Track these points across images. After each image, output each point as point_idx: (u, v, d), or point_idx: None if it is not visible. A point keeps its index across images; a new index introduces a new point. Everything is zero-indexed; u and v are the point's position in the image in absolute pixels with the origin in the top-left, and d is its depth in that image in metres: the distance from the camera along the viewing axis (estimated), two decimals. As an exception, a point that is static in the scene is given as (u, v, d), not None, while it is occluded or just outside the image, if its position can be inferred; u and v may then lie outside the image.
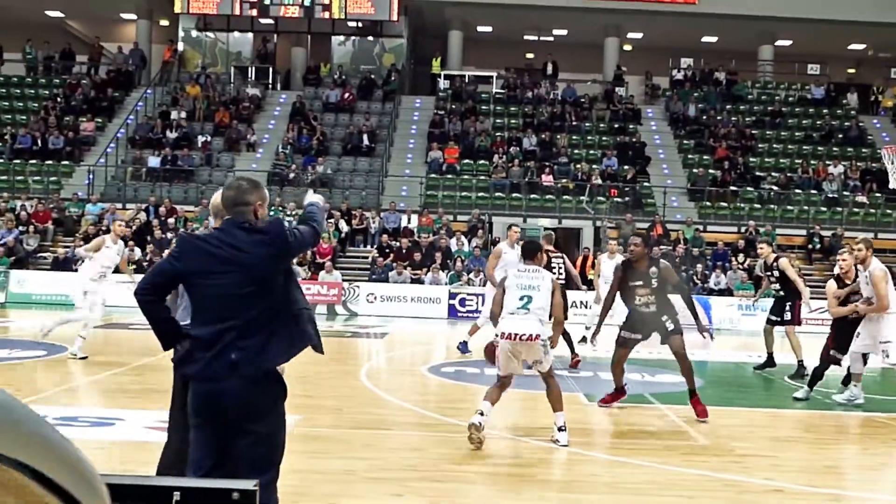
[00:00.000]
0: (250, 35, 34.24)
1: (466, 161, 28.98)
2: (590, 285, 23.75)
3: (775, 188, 28.38)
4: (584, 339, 16.36)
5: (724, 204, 28.00)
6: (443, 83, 32.94)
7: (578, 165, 28.69)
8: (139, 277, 5.09)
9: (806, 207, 27.99)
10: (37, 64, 33.42)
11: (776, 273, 13.17)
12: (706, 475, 7.01)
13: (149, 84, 32.61)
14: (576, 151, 29.93)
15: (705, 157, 29.92)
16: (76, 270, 15.55)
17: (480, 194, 27.69)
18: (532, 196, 27.50)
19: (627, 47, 36.21)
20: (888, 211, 28.07)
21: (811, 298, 13.80)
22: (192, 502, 2.75)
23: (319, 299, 22.13)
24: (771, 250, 13.62)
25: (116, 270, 12.46)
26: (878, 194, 28.56)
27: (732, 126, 31.03)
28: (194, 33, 34.32)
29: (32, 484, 1.36)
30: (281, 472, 4.28)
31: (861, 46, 35.87)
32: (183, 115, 30.21)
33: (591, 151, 30.06)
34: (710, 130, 30.89)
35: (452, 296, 21.92)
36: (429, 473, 6.81)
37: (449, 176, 28.35)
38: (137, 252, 23.01)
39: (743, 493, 6.58)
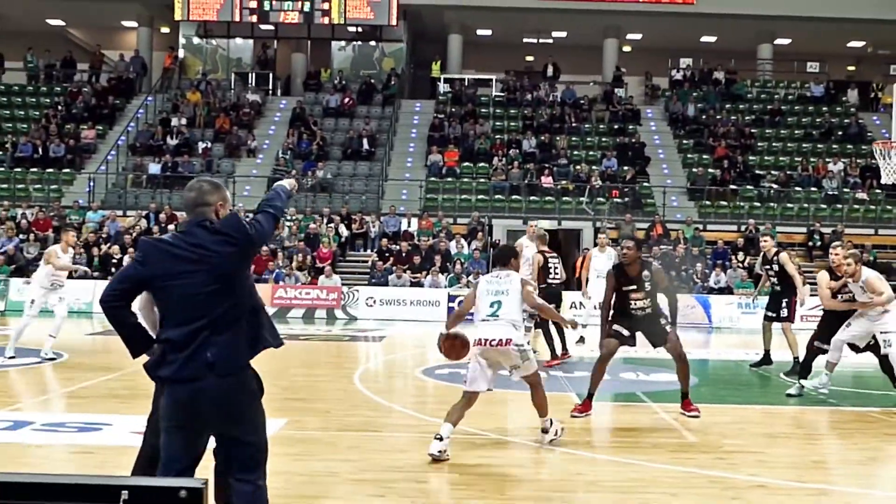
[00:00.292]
0: (250, 41, 34.31)
1: (466, 164, 29.01)
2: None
3: (775, 186, 28.35)
4: (581, 340, 16.40)
5: (724, 203, 27.98)
6: (442, 87, 32.98)
7: (578, 167, 28.70)
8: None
9: (806, 205, 27.95)
10: (38, 72, 33.54)
11: (775, 267, 13.08)
12: (692, 472, 7.02)
13: (149, 91, 32.73)
14: (575, 153, 29.94)
15: (705, 156, 29.90)
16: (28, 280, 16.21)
17: (480, 197, 27.72)
18: (532, 198, 27.52)
19: (627, 48, 36.21)
20: (888, 207, 28.02)
21: (811, 296, 13.76)
22: (140, 501, 2.79)
23: (319, 304, 22.18)
24: (773, 244, 13.52)
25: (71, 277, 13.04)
26: (878, 191, 28.49)
27: (732, 125, 31.01)
28: (195, 40, 34.43)
29: None
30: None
31: (860, 44, 35.82)
32: (183, 121, 30.31)
33: (591, 152, 30.07)
34: (710, 130, 30.88)
35: (451, 298, 21.93)
36: (412, 474, 6.83)
37: (449, 179, 28.38)
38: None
39: (727, 489, 6.59)
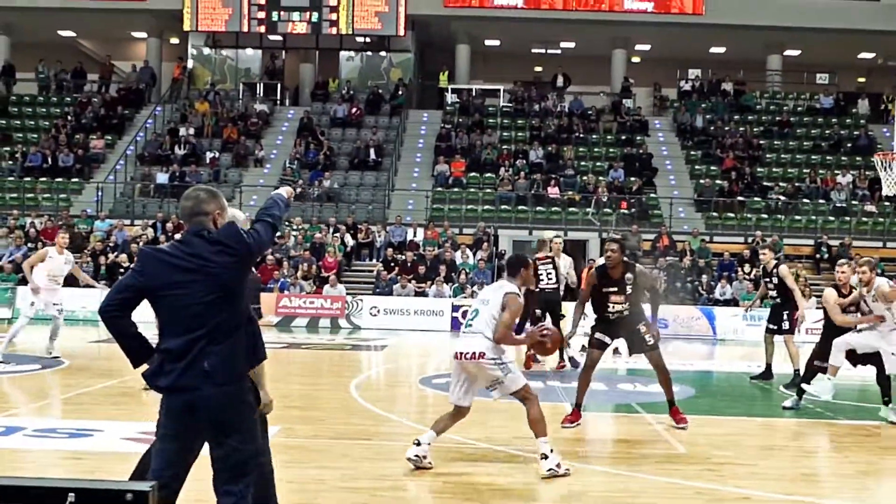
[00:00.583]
0: (259, 52, 34.46)
1: (473, 174, 29.04)
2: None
3: (783, 198, 28.26)
4: (583, 349, 16.38)
5: (731, 214, 27.91)
6: (450, 97, 33.04)
7: (585, 177, 28.68)
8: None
9: (814, 217, 27.85)
10: (49, 83, 33.77)
11: (775, 280, 12.93)
12: (677, 483, 7.00)
13: (158, 101, 32.90)
14: (582, 163, 29.93)
15: (713, 167, 29.84)
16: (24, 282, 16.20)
17: (486, 207, 27.73)
18: (538, 208, 27.52)
19: (636, 59, 36.21)
20: (897, 220, 27.93)
21: (816, 308, 13.65)
22: (86, 503, 2.80)
23: (323, 313, 22.21)
24: (772, 256, 13.33)
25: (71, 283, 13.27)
26: (886, 203, 28.37)
27: (740, 136, 30.95)
28: (204, 51, 34.59)
29: None
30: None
31: (871, 55, 35.70)
32: (191, 131, 30.46)
33: (598, 163, 30.06)
34: (718, 141, 30.83)
35: (455, 308, 21.94)
36: (400, 482, 6.83)
37: (455, 189, 28.41)
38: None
39: (712, 501, 6.57)
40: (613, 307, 8.77)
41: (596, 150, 30.90)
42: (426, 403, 11.00)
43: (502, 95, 33.59)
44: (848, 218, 27.85)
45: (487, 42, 34.98)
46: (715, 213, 27.97)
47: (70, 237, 25.65)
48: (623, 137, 31.17)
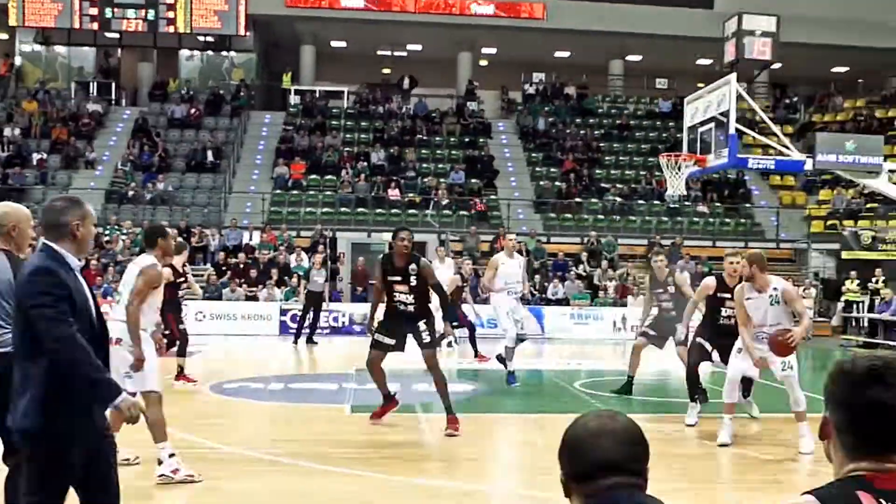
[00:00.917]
0: (93, 49, 33.15)
1: (313, 177, 28.59)
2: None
3: (618, 199, 28.82)
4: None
5: (569, 215, 28.28)
6: (293, 98, 32.50)
7: (426, 179, 28.60)
8: None
9: (648, 218, 28.49)
10: None
11: (671, 290, 11.27)
12: (406, 481, 6.81)
13: (-18, 100, 31.29)
14: (424, 166, 29.86)
15: (553, 169, 30.23)
16: None
17: (326, 210, 27.32)
18: (378, 210, 27.28)
19: (483, 62, 36.45)
20: (727, 220, 28.83)
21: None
22: None
23: (145, 319, 21.36)
24: (665, 264, 11.65)
25: None
26: (717, 204, 29.32)
27: (580, 139, 31.45)
28: (34, 47, 33.06)
29: None
30: None
31: (708, 61, 36.83)
32: (17, 132, 29.01)
33: (440, 165, 30.04)
34: (559, 143, 31.25)
35: (284, 312, 21.48)
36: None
37: (295, 192, 27.90)
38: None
39: (433, 498, 6.41)
40: (398, 296, 8.65)
41: (438, 152, 30.89)
42: (201, 410, 10.54)
43: (346, 97, 33.25)
44: (681, 218, 28.61)
45: (333, 43, 34.62)
46: (553, 215, 28.30)
47: None
48: (466, 140, 31.27)
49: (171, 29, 31.04)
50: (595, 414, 2.18)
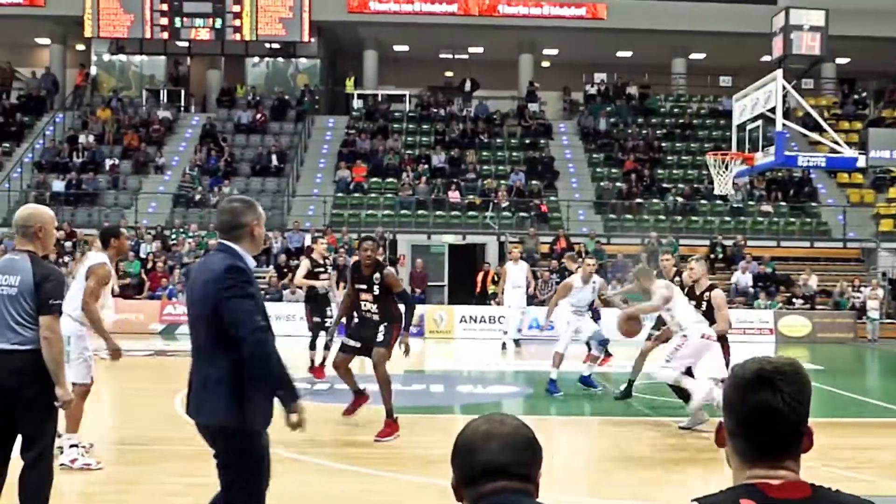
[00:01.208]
0: (163, 58, 34.13)
1: (374, 179, 29.02)
2: (484, 298, 24.02)
3: (680, 199, 28.62)
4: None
5: (630, 216, 28.20)
6: (356, 102, 33.00)
7: (486, 182, 28.80)
8: None
9: (711, 218, 28.24)
10: (-51, 90, 33.18)
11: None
12: (422, 482, 7.03)
13: (59, 108, 32.44)
14: (485, 168, 30.05)
15: (614, 170, 30.15)
16: None
17: (386, 212, 27.70)
18: (438, 213, 27.56)
19: (545, 63, 36.48)
20: (792, 219, 28.41)
21: None
22: None
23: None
24: (672, 263, 11.66)
25: None
26: (782, 203, 28.90)
27: (641, 139, 31.30)
28: (107, 57, 34.19)
29: None
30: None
31: (772, 58, 36.27)
32: (91, 138, 30.06)
33: (500, 167, 30.19)
34: (620, 144, 31.14)
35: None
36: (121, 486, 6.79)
37: (356, 195, 28.36)
38: None
39: (443, 497, 6.60)
40: (364, 304, 8.83)
41: (499, 154, 31.05)
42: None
43: (408, 100, 33.62)
44: (744, 218, 28.29)
45: (396, 47, 35.03)
46: (613, 215, 28.24)
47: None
48: (527, 141, 31.37)
49: (238, 37, 31.80)
50: (485, 418, 2.15)
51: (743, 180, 29.39)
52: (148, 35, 31.72)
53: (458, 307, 23.77)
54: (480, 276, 24.76)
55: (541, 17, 32.77)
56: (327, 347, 12.18)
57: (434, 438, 8.79)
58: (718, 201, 28.67)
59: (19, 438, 4.86)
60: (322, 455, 7.81)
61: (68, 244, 24.96)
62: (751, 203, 28.89)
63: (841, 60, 34.66)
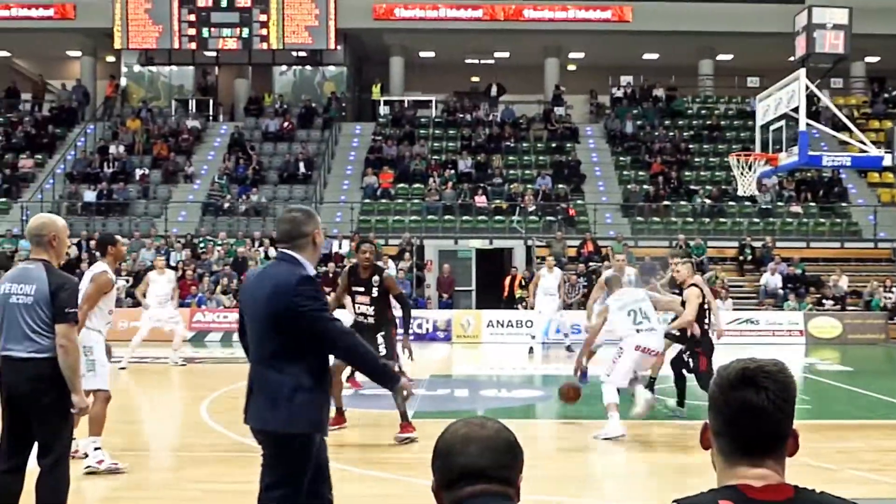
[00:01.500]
0: (191, 68, 34.50)
1: (401, 185, 29.13)
2: (511, 303, 24.03)
3: (708, 201, 28.47)
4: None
5: (657, 219, 28.09)
6: (383, 109, 33.15)
7: (512, 186, 28.81)
8: None
9: (739, 219, 28.07)
10: (-19, 103, 33.74)
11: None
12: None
13: (90, 119, 32.88)
14: (511, 172, 30.06)
15: (641, 172, 30.05)
16: None
17: (413, 218, 27.80)
18: (465, 217, 27.62)
19: (572, 67, 36.44)
20: (821, 220, 28.16)
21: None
22: None
23: (235, 327, 22.16)
24: (689, 272, 10.68)
25: None
26: (811, 204, 28.67)
27: (669, 141, 31.17)
28: (136, 68, 34.60)
29: None
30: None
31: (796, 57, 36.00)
32: (121, 149, 30.43)
33: (527, 171, 30.20)
34: (647, 146, 31.04)
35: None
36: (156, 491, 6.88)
37: (383, 200, 28.49)
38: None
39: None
40: (360, 307, 8.87)
41: (525, 158, 31.06)
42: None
43: (434, 106, 33.73)
44: (773, 219, 28.09)
45: (422, 53, 35.15)
46: (641, 218, 28.14)
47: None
48: (553, 145, 31.35)
49: (265, 45, 32.08)
50: (465, 421, 2.14)
51: (772, 181, 29.23)
52: (176, 46, 32.08)
53: (485, 312, 23.79)
54: (508, 280, 24.78)
55: (566, 20, 32.75)
56: None
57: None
58: (747, 203, 28.47)
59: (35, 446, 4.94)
60: (340, 460, 7.86)
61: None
62: (780, 204, 28.68)
63: (871, 59, 34.34)
